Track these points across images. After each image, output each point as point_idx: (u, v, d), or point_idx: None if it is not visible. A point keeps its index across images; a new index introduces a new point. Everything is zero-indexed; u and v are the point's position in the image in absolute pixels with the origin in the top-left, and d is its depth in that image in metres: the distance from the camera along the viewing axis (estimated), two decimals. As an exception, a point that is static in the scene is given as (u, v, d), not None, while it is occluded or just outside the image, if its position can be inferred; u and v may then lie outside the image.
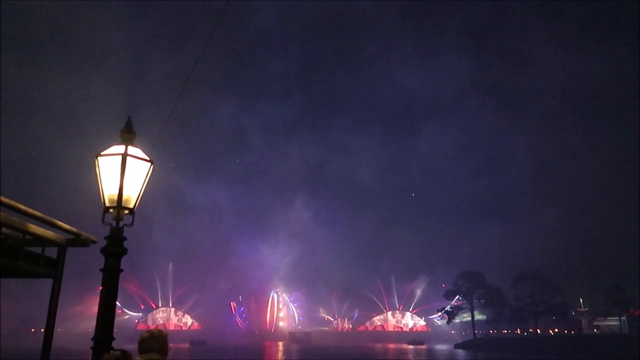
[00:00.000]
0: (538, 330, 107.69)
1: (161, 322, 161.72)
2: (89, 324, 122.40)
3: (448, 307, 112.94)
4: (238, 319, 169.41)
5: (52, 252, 4.88)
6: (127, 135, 5.03)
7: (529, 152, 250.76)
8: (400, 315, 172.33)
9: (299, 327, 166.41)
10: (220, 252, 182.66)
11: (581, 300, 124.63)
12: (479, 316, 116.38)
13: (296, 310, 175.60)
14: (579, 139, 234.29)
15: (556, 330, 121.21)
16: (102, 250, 4.65)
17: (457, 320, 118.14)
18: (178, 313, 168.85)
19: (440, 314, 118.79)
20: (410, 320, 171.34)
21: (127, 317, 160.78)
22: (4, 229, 4.12)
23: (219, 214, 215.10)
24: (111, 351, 4.41)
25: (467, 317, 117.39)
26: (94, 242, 5.06)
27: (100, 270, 4.56)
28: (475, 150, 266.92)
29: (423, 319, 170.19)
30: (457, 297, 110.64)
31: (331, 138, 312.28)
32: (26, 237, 4.44)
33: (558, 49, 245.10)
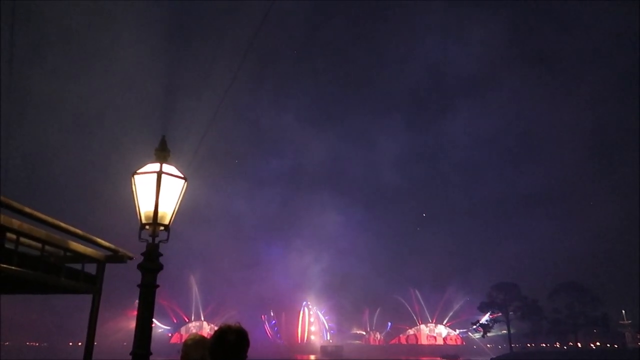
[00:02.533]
0: (579, 344, 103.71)
1: (194, 330, 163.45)
2: (118, 337, 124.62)
3: (483, 319, 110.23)
4: (268, 332, 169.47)
5: (91, 268, 5.03)
6: (162, 154, 5.16)
7: (581, 133, 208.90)
8: (433, 326, 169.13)
9: (330, 341, 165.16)
10: (246, 262, 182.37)
11: (623, 313, 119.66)
12: (514, 329, 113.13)
13: (327, 323, 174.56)
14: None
15: (598, 343, 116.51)
16: (139, 267, 4.75)
17: (492, 333, 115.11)
18: (210, 324, 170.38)
19: (475, 326, 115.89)
20: (444, 330, 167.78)
21: (160, 330, 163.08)
22: (46, 247, 4.28)
23: (240, 222, 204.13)
24: None
25: (504, 330, 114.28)
26: (130, 258, 5.19)
27: (138, 285, 4.66)
28: (517, 133, 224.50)
29: (457, 331, 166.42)
30: (491, 310, 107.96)
31: (352, 129, 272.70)
32: (67, 254, 4.60)
33: (611, 3, 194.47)
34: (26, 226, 3.90)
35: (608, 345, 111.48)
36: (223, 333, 2.65)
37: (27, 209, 3.76)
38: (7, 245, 3.82)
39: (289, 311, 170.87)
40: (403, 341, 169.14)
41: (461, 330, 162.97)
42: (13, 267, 3.75)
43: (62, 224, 4.22)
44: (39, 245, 4.20)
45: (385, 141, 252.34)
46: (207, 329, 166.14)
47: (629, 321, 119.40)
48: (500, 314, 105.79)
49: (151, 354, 4.57)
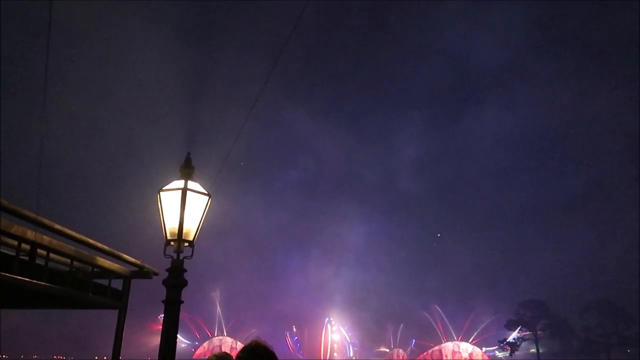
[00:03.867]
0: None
1: (217, 343, 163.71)
2: (141, 351, 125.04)
3: (511, 337, 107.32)
4: (290, 347, 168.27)
5: (117, 284, 5.10)
6: (187, 171, 5.23)
7: (626, 128, 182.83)
8: (459, 342, 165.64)
9: (354, 357, 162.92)
10: (267, 275, 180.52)
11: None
12: (544, 348, 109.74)
13: (350, 339, 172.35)
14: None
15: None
16: (164, 283, 4.79)
17: (520, 352, 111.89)
18: (232, 338, 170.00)
19: (502, 344, 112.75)
20: (470, 346, 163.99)
21: (183, 345, 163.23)
22: (75, 263, 4.37)
23: (259, 234, 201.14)
24: None
25: (533, 349, 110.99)
26: (155, 274, 5.25)
27: (162, 301, 4.69)
28: (550, 130, 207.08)
29: (483, 349, 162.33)
30: (519, 328, 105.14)
31: (369, 130, 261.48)
32: (95, 270, 4.68)
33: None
34: (56, 242, 3.99)
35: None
36: (254, 348, 2.81)
37: (57, 226, 3.86)
38: (38, 261, 3.92)
39: (311, 327, 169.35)
40: (428, 358, 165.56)
41: (488, 349, 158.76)
42: (43, 283, 3.84)
43: (90, 240, 4.31)
44: (68, 261, 4.29)
45: (404, 142, 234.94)
46: (229, 343, 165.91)
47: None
48: (529, 332, 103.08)
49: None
